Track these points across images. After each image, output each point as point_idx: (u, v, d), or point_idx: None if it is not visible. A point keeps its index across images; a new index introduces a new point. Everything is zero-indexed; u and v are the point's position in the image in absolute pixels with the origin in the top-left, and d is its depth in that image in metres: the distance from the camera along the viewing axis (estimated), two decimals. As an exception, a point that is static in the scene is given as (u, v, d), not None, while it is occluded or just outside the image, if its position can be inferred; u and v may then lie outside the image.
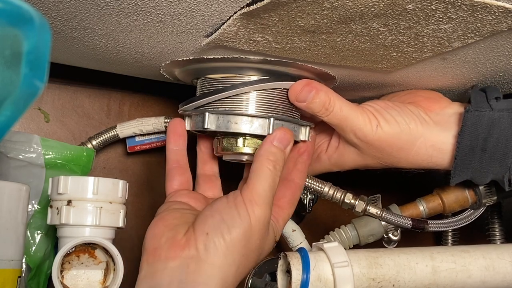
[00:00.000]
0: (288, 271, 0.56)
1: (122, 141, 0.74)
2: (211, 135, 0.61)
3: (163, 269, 0.50)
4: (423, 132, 0.58)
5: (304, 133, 0.59)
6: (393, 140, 0.58)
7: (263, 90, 0.56)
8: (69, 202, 0.57)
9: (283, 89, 0.57)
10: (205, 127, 0.56)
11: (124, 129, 0.72)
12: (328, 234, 0.69)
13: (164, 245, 0.51)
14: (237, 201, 0.52)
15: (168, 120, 0.71)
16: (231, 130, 0.56)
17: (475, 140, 0.56)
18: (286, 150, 0.56)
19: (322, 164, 0.63)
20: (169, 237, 0.52)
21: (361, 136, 0.58)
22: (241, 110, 0.56)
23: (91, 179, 0.58)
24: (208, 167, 0.63)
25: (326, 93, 0.56)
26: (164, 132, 0.74)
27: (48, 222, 0.59)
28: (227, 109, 0.56)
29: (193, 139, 0.64)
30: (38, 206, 0.66)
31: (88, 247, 0.59)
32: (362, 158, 0.60)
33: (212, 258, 0.50)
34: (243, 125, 0.56)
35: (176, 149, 0.60)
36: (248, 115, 0.56)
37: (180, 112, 0.60)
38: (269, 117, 0.56)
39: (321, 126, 0.62)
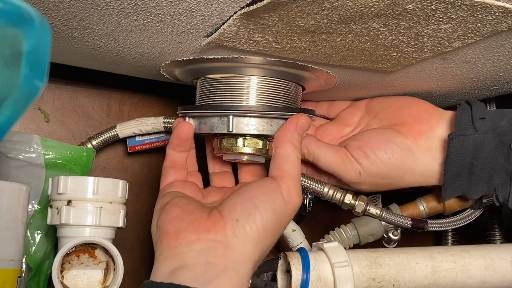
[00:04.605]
0: (288, 271, 0.56)
1: (122, 141, 0.74)
2: (212, 135, 0.61)
3: (188, 251, 0.48)
4: (410, 167, 0.61)
5: None
6: (378, 179, 0.61)
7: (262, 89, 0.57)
8: (69, 202, 0.57)
9: (282, 88, 0.58)
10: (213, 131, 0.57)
11: (123, 129, 0.72)
12: (328, 234, 0.69)
13: (186, 228, 0.50)
14: (271, 187, 0.52)
15: (168, 120, 0.71)
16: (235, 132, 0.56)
17: (461, 164, 0.58)
18: (302, 136, 0.57)
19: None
20: (191, 220, 0.50)
21: (346, 181, 0.62)
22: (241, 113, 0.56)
23: (91, 179, 0.58)
24: (219, 166, 0.63)
25: (305, 146, 0.61)
26: (164, 132, 0.74)
27: (48, 222, 0.59)
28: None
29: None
30: (38, 206, 0.66)
31: (88, 247, 0.59)
32: (359, 187, 0.63)
33: (242, 245, 0.48)
34: (244, 126, 0.56)
35: (176, 153, 0.59)
36: (250, 116, 0.56)
37: (180, 115, 0.60)
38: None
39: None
